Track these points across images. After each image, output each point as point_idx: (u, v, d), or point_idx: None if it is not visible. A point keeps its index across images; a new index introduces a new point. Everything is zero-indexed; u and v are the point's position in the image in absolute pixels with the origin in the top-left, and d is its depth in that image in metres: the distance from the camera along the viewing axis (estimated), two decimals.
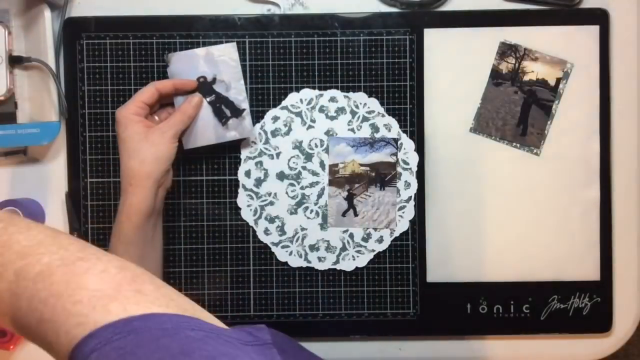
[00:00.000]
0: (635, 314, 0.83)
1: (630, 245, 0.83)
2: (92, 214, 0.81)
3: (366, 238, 0.81)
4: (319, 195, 0.81)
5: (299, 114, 0.81)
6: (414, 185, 0.81)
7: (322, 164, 0.81)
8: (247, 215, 0.81)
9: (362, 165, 0.81)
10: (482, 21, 0.81)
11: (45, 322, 0.43)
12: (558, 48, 0.81)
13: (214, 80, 0.78)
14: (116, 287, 0.43)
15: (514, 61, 0.81)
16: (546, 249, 0.82)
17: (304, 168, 0.81)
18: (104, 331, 0.40)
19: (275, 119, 0.81)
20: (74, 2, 0.82)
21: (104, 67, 0.81)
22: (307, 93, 0.81)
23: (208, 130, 0.78)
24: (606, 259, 0.82)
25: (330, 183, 0.81)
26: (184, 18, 0.81)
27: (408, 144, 0.81)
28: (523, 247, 0.82)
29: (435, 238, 0.82)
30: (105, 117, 0.81)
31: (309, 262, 0.81)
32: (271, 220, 0.81)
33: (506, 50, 0.81)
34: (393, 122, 0.81)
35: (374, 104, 0.81)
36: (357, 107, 0.81)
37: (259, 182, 0.81)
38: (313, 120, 0.81)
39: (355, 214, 0.81)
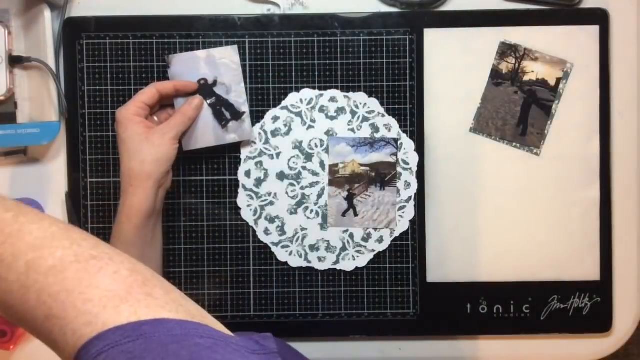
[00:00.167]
0: (635, 314, 0.83)
1: (630, 245, 0.83)
2: (92, 214, 0.81)
3: (366, 238, 0.81)
4: (319, 195, 0.81)
5: (299, 114, 0.81)
6: (414, 185, 0.81)
7: (322, 164, 0.81)
8: (247, 215, 0.81)
9: (362, 165, 0.81)
10: (482, 21, 0.81)
11: (52, 318, 0.42)
12: (558, 48, 0.81)
13: (215, 82, 0.78)
14: (127, 289, 0.43)
15: (514, 61, 0.81)
16: (546, 249, 0.82)
17: (304, 168, 0.81)
18: (112, 334, 0.40)
19: (275, 119, 0.81)
20: (74, 2, 0.82)
21: (104, 67, 0.81)
22: (307, 93, 0.81)
23: (208, 133, 0.78)
24: (606, 259, 0.82)
25: (330, 183, 0.81)
26: (184, 18, 0.81)
27: (408, 144, 0.81)
28: (523, 247, 0.82)
29: (435, 238, 0.82)
30: (105, 117, 0.81)
31: (309, 262, 0.81)
32: (271, 220, 0.81)
33: (506, 50, 0.81)
34: (393, 122, 0.81)
35: (374, 104, 0.81)
36: (357, 107, 0.81)
37: (259, 182, 0.81)
38: (313, 120, 0.81)
39: (355, 214, 0.81)
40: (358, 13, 0.81)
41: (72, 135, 0.81)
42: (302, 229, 0.81)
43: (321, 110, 0.81)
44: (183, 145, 0.77)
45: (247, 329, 0.81)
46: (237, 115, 0.78)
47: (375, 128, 0.81)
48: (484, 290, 0.82)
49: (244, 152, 0.81)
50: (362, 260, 0.81)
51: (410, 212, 0.81)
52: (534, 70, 0.81)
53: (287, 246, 0.81)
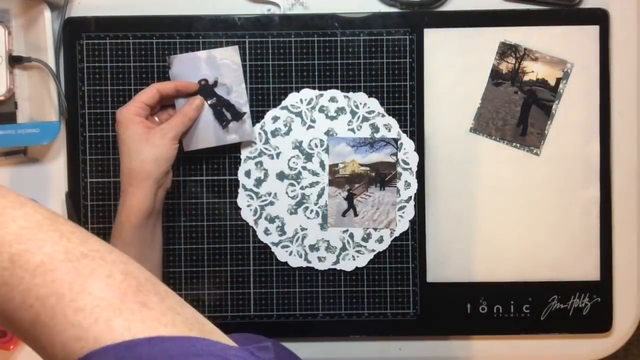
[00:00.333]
0: (635, 314, 0.83)
1: (630, 245, 0.83)
2: (92, 214, 0.81)
3: (366, 238, 0.81)
4: (319, 195, 0.81)
5: (299, 114, 0.81)
6: (414, 185, 0.81)
7: (322, 164, 0.81)
8: (247, 215, 0.81)
9: (362, 165, 0.81)
10: (482, 21, 0.81)
11: (40, 324, 0.39)
12: (558, 48, 0.81)
13: (216, 83, 0.78)
14: (121, 296, 0.39)
15: (514, 61, 0.81)
16: (546, 249, 0.82)
17: (304, 168, 0.81)
18: (104, 354, 0.37)
19: (275, 119, 0.81)
20: (74, 2, 0.82)
21: (104, 67, 0.81)
22: (307, 93, 0.81)
23: (208, 133, 0.78)
24: (606, 259, 0.82)
25: (330, 183, 0.81)
26: (184, 18, 0.81)
27: (408, 144, 0.81)
28: (523, 247, 0.82)
29: (435, 238, 0.82)
30: (105, 117, 0.81)
31: (309, 262, 0.81)
32: (271, 220, 0.81)
33: (506, 50, 0.81)
34: (393, 122, 0.81)
35: (374, 104, 0.81)
36: (357, 107, 0.81)
37: (259, 182, 0.81)
38: (313, 120, 0.81)
39: (355, 214, 0.81)
40: (358, 13, 0.81)
41: (72, 136, 0.81)
42: (302, 229, 0.81)
43: (321, 110, 0.81)
44: (184, 146, 0.77)
45: (247, 329, 0.81)
46: (237, 115, 0.78)
47: (375, 128, 0.81)
48: (484, 290, 0.82)
49: (244, 152, 0.81)
50: (362, 260, 0.81)
51: (410, 212, 0.81)
52: (534, 70, 0.81)
53: (287, 246, 0.81)
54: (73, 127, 0.81)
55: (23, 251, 0.40)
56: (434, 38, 0.81)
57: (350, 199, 0.81)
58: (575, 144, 0.82)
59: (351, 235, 0.81)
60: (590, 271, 0.82)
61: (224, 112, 0.78)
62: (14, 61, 0.78)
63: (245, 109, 0.78)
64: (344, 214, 0.81)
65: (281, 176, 0.81)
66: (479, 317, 0.82)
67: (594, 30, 0.81)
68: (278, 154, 0.81)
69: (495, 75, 0.81)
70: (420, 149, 0.81)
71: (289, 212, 0.81)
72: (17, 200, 0.42)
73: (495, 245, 0.82)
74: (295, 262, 0.81)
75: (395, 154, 0.81)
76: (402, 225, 0.81)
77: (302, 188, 0.81)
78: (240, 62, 0.79)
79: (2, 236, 0.40)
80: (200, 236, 0.82)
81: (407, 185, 0.81)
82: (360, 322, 0.82)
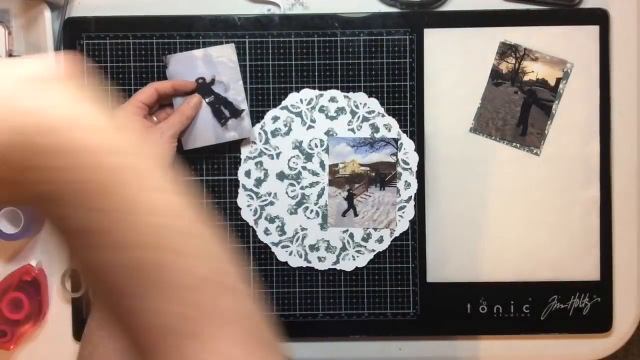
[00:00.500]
0: (635, 314, 0.83)
1: (630, 245, 0.83)
2: None
3: (366, 238, 0.81)
4: (319, 195, 0.81)
5: (299, 114, 0.81)
6: (414, 185, 0.81)
7: (322, 164, 0.81)
8: (247, 215, 0.81)
9: (362, 165, 0.81)
10: (482, 21, 0.81)
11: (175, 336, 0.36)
12: (558, 48, 0.81)
13: (213, 81, 0.78)
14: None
15: (514, 61, 0.81)
16: (546, 249, 0.82)
17: (304, 168, 0.81)
18: None
19: (275, 119, 0.81)
20: (74, 2, 0.82)
21: (104, 67, 0.81)
22: (307, 93, 0.81)
23: (207, 131, 0.78)
24: (606, 259, 0.82)
25: (330, 183, 0.81)
26: (184, 18, 0.81)
27: (408, 144, 0.81)
28: (523, 247, 0.82)
29: (435, 238, 0.82)
30: None
31: (309, 262, 0.81)
32: (271, 220, 0.81)
33: (506, 50, 0.81)
34: (393, 122, 0.81)
35: (374, 104, 0.81)
36: (357, 107, 0.81)
37: (259, 182, 0.81)
38: (313, 120, 0.81)
39: (355, 214, 0.81)
40: (358, 13, 0.81)
41: None
42: (302, 229, 0.81)
43: (321, 110, 0.81)
44: (183, 144, 0.77)
45: None
46: (236, 113, 0.78)
47: (375, 128, 0.81)
48: (484, 290, 0.82)
49: (244, 152, 0.81)
50: (362, 260, 0.81)
51: (410, 212, 0.81)
52: (534, 70, 0.81)
53: (287, 246, 0.81)
54: None
55: (175, 261, 0.38)
56: (434, 38, 0.81)
57: (350, 199, 0.81)
58: (575, 144, 0.81)
59: (351, 235, 0.81)
60: (590, 271, 0.82)
61: (222, 109, 0.78)
62: None
63: (244, 106, 0.78)
64: (344, 214, 0.81)
65: (281, 176, 0.81)
66: (479, 317, 0.82)
67: (594, 30, 0.81)
68: (278, 154, 0.81)
69: (495, 75, 0.81)
70: (420, 149, 0.81)
71: (289, 212, 0.81)
72: (157, 183, 0.40)
73: (496, 245, 0.82)
74: (295, 262, 0.81)
75: (395, 154, 0.81)
76: (402, 225, 0.81)
77: (302, 188, 0.81)
78: (237, 59, 0.79)
79: (140, 218, 0.37)
80: None
81: (407, 185, 0.81)
82: (360, 322, 0.82)
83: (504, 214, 0.82)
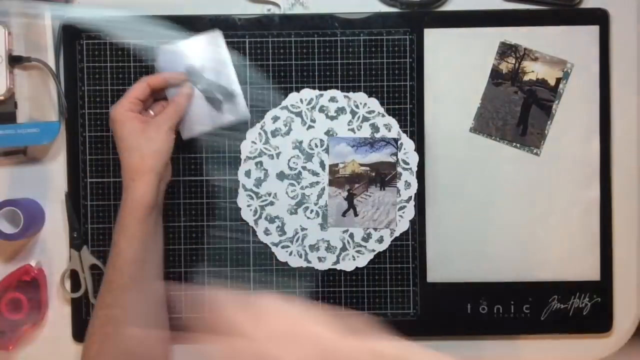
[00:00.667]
0: (635, 314, 0.83)
1: (630, 245, 0.83)
2: (92, 214, 0.81)
3: (366, 238, 0.81)
4: (319, 195, 0.81)
5: (299, 114, 0.81)
6: (414, 185, 0.81)
7: (322, 164, 0.81)
8: (247, 215, 0.81)
9: (362, 165, 0.81)
10: (482, 21, 0.81)
11: None
12: (558, 48, 0.81)
13: (203, 68, 0.78)
14: None
15: (514, 61, 0.81)
16: (546, 249, 0.82)
17: (304, 168, 0.81)
18: None
19: (275, 119, 0.81)
20: (74, 2, 0.82)
21: (104, 67, 0.81)
22: (307, 93, 0.81)
23: (203, 118, 0.78)
24: (606, 259, 0.82)
25: (331, 183, 0.81)
26: (184, 18, 0.81)
27: (408, 144, 0.81)
28: (523, 247, 0.82)
29: (435, 238, 0.82)
30: (105, 117, 0.81)
31: (309, 262, 0.81)
32: (271, 220, 0.81)
33: (506, 50, 0.81)
34: (393, 122, 0.81)
35: (374, 104, 0.81)
36: (357, 107, 0.81)
37: (259, 182, 0.81)
38: (313, 120, 0.81)
39: (356, 214, 0.81)
40: (358, 13, 0.81)
41: (71, 135, 0.81)
42: (302, 229, 0.81)
43: (321, 110, 0.81)
44: (182, 134, 0.77)
45: None
46: (229, 96, 0.78)
47: (375, 128, 0.81)
48: (484, 290, 0.82)
49: (244, 152, 0.81)
50: (362, 260, 0.81)
51: (410, 212, 0.81)
52: (534, 70, 0.81)
53: (287, 246, 0.81)
54: (73, 127, 0.81)
55: None
56: (434, 38, 0.81)
57: (350, 199, 0.81)
58: (575, 144, 0.82)
59: (351, 235, 0.81)
60: (590, 271, 0.82)
61: (215, 94, 0.78)
62: (14, 61, 0.78)
63: (236, 88, 0.78)
64: (344, 214, 0.81)
65: (281, 176, 0.81)
66: (479, 317, 0.82)
67: (594, 30, 0.81)
68: (278, 154, 0.81)
69: (495, 75, 0.81)
70: (420, 149, 0.81)
71: (289, 212, 0.81)
72: None
73: (495, 245, 0.82)
74: (295, 262, 0.81)
75: (395, 154, 0.81)
76: (402, 225, 0.81)
77: (302, 188, 0.81)
78: (225, 44, 0.78)
79: None
80: (200, 236, 0.82)
81: (407, 185, 0.81)
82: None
83: (504, 214, 0.82)
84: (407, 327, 0.82)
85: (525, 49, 0.81)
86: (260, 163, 0.81)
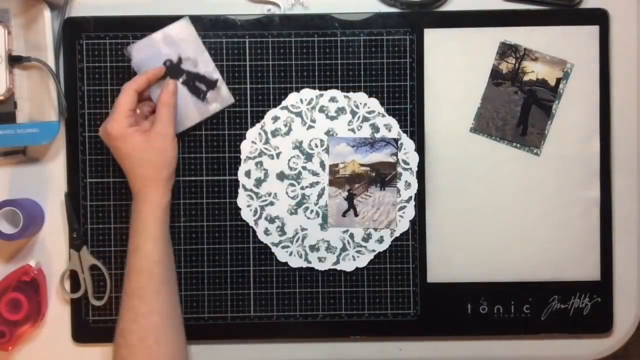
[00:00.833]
0: (635, 314, 0.83)
1: (630, 245, 0.83)
2: (92, 214, 0.81)
3: (366, 238, 0.81)
4: (319, 196, 0.81)
5: (299, 114, 0.81)
6: (414, 185, 0.81)
7: (322, 164, 0.81)
8: (247, 215, 0.81)
9: (362, 165, 0.81)
10: (482, 21, 0.81)
11: None
12: (558, 48, 0.81)
13: (180, 59, 0.78)
14: None
15: (514, 61, 0.81)
16: (546, 249, 0.82)
17: (304, 168, 0.81)
18: None
19: (275, 119, 0.81)
20: (74, 2, 0.82)
21: (104, 67, 0.81)
22: (307, 93, 0.81)
23: (190, 111, 0.78)
24: (606, 259, 0.82)
25: (331, 183, 0.81)
26: None
27: (408, 144, 0.81)
28: (523, 247, 0.82)
29: (435, 238, 0.82)
30: (105, 117, 0.81)
31: (309, 262, 0.81)
32: (271, 220, 0.81)
33: (506, 50, 0.81)
34: (393, 122, 0.81)
35: (374, 104, 0.81)
36: (357, 107, 0.81)
37: (259, 182, 0.81)
38: (313, 120, 0.81)
39: (356, 214, 0.81)
40: (358, 13, 0.81)
41: (71, 135, 0.81)
42: (302, 229, 0.81)
43: (321, 110, 0.81)
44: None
45: (247, 329, 0.81)
46: (211, 84, 0.79)
47: (375, 128, 0.81)
48: (484, 290, 0.82)
49: (244, 152, 0.81)
50: (363, 261, 0.81)
51: (410, 212, 0.81)
52: (534, 70, 0.81)
53: (287, 246, 0.81)
54: (72, 127, 0.81)
55: None
56: (434, 38, 0.81)
57: (350, 199, 0.81)
58: (575, 144, 0.82)
59: (351, 236, 0.81)
60: (590, 271, 0.82)
61: (198, 85, 0.78)
62: (14, 61, 0.78)
63: (216, 75, 0.79)
64: (344, 214, 0.81)
65: (281, 176, 0.81)
66: (479, 317, 0.82)
67: (594, 30, 0.81)
68: (278, 154, 0.81)
69: (495, 75, 0.81)
70: (420, 149, 0.81)
71: (289, 212, 0.81)
72: None
73: (496, 245, 0.82)
74: (296, 262, 0.81)
75: (396, 154, 0.81)
76: (403, 225, 0.81)
77: (302, 188, 0.81)
78: (196, 32, 0.78)
79: None
80: (200, 236, 0.81)
81: (408, 185, 0.81)
82: (360, 322, 0.82)
83: (504, 214, 0.82)
84: (407, 327, 0.82)
85: (525, 49, 0.81)
86: (260, 163, 0.81)
